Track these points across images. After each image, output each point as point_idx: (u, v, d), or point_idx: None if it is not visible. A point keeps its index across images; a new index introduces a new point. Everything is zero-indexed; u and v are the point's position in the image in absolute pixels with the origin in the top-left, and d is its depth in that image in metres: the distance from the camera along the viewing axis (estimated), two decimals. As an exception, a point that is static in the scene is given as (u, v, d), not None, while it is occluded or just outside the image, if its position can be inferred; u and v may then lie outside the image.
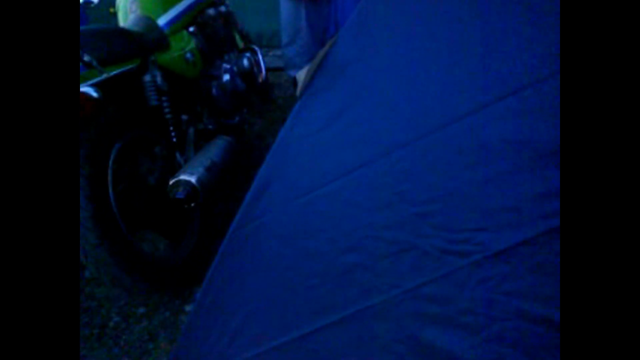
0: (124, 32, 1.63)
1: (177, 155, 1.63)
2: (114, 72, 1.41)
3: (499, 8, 0.82)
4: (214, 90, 1.99)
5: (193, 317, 0.90)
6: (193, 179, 1.40)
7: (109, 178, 1.35)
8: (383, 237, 0.78)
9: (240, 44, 2.49)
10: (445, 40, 0.79)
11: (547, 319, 0.71)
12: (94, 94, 1.20)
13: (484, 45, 0.74)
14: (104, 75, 1.36)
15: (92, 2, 1.78)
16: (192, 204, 1.43)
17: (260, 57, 2.43)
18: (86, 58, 1.29)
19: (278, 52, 3.18)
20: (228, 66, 2.12)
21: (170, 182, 1.42)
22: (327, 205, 0.81)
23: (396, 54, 0.82)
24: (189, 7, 2.03)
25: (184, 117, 1.75)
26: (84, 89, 1.20)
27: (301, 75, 1.33)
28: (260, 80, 2.41)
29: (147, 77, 1.55)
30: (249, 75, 2.29)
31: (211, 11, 2.18)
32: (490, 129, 0.75)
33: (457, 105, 0.76)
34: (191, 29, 2.00)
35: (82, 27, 1.46)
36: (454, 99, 0.76)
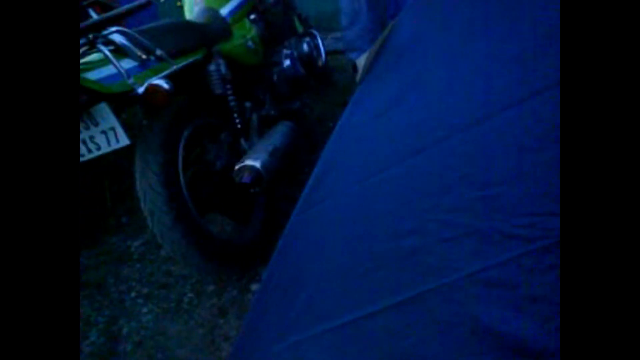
0: (189, 24, 1.70)
1: (242, 141, 1.70)
2: (182, 64, 1.49)
3: None
4: (275, 77, 2.03)
5: (259, 297, 0.95)
6: (257, 164, 1.46)
7: (180, 164, 1.44)
8: (445, 221, 0.78)
9: (300, 29, 2.52)
10: (510, 23, 0.75)
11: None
12: (166, 86, 1.27)
13: (549, 28, 0.70)
14: (174, 67, 1.44)
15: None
16: (257, 188, 1.49)
17: (319, 41, 2.44)
18: (158, 52, 1.37)
19: (337, 35, 3.17)
20: (288, 52, 2.15)
21: (236, 168, 1.49)
22: (388, 189, 0.82)
23: (457, 36, 0.80)
24: (249, -4, 2.08)
25: (248, 104, 1.81)
26: (156, 81, 1.28)
27: (361, 60, 1.32)
28: (320, 64, 2.43)
29: (212, 67, 1.62)
30: (308, 59, 2.31)
31: (271, -2, 2.22)
32: (555, 111, 0.72)
33: (521, 87, 0.73)
34: (252, 16, 2.05)
35: (153, 24, 1.55)
36: (517, 81, 0.73)
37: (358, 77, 1.01)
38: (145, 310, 1.68)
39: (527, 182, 0.75)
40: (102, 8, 1.46)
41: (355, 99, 0.89)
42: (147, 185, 1.35)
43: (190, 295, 1.68)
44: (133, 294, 1.76)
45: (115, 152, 1.51)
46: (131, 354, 1.53)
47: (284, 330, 0.89)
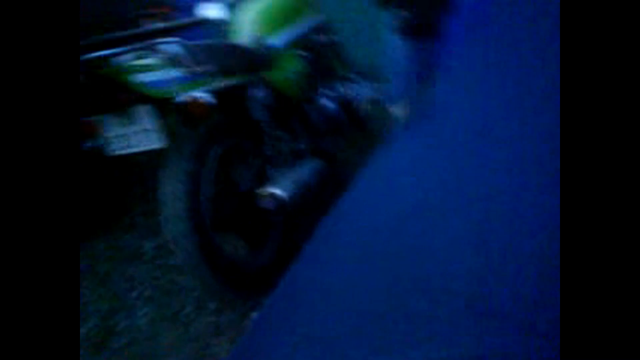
0: (240, 48, 1.79)
1: (269, 168, 1.73)
2: (226, 83, 1.56)
3: None
4: (313, 114, 2.09)
5: (258, 321, 0.95)
6: (283, 193, 1.48)
7: (205, 177, 1.48)
8: (452, 290, 0.77)
9: (345, 73, 2.59)
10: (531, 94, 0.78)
11: None
12: (207, 99, 1.33)
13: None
14: (218, 84, 1.50)
15: (217, 19, 1.96)
16: (278, 216, 1.50)
17: (362, 88, 2.51)
18: (206, 67, 1.44)
19: (381, 86, 3.24)
20: (330, 92, 2.22)
21: (262, 192, 1.52)
22: (406, 241, 0.82)
23: (489, 104, 0.83)
24: (302, 32, 2.17)
25: (281, 133, 1.86)
26: (199, 93, 1.34)
27: (398, 110, 1.36)
28: (359, 110, 2.49)
29: (255, 92, 1.69)
30: (348, 104, 2.37)
31: (322, 38, 2.31)
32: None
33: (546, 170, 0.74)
34: (300, 52, 2.13)
35: (207, 40, 1.64)
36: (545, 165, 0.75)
37: (392, 126, 1.05)
38: (143, 312, 1.69)
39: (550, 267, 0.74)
40: (162, 19, 1.56)
41: (386, 148, 0.91)
42: (170, 191, 1.39)
43: (190, 308, 1.68)
44: (135, 294, 1.77)
45: (145, 154, 1.58)
46: (120, 351, 1.53)
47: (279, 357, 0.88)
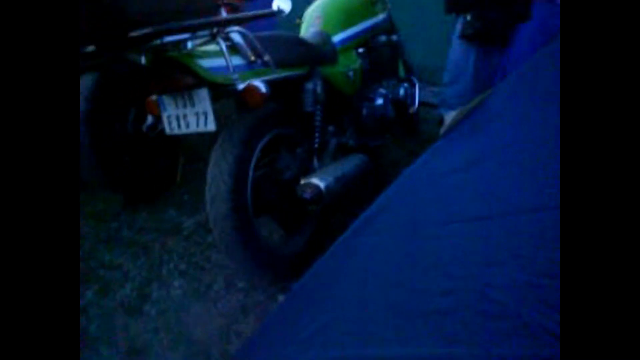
0: (300, 41, 1.82)
1: (315, 160, 1.76)
2: (284, 74, 1.59)
3: None
4: (364, 111, 2.09)
5: (284, 304, 0.98)
6: (322, 184, 1.50)
7: (252, 163, 1.52)
8: (485, 293, 0.76)
9: (402, 74, 2.58)
10: None
11: None
12: (263, 89, 1.37)
13: None
14: (275, 75, 1.54)
15: (283, 12, 2.01)
16: (315, 207, 1.53)
17: (417, 89, 2.49)
18: (266, 57, 1.48)
19: (436, 89, 3.20)
20: (384, 91, 2.21)
21: (302, 182, 1.55)
22: (438, 245, 0.82)
23: (538, 123, 0.81)
24: (364, 31, 2.18)
25: (331, 128, 1.88)
26: (256, 82, 1.38)
27: (449, 116, 1.34)
28: (411, 111, 2.47)
29: (310, 85, 1.71)
30: (401, 104, 2.36)
31: (382, 38, 2.31)
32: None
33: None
34: (360, 50, 2.14)
35: (269, 32, 1.68)
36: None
37: (442, 130, 1.04)
38: (177, 284, 1.76)
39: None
40: (231, 9, 1.61)
41: (433, 150, 0.91)
42: (217, 171, 1.44)
43: (221, 284, 1.74)
44: (171, 266, 1.85)
45: (197, 137, 1.63)
46: (153, 318, 1.60)
47: (300, 342, 0.91)
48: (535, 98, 0.85)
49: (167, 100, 1.41)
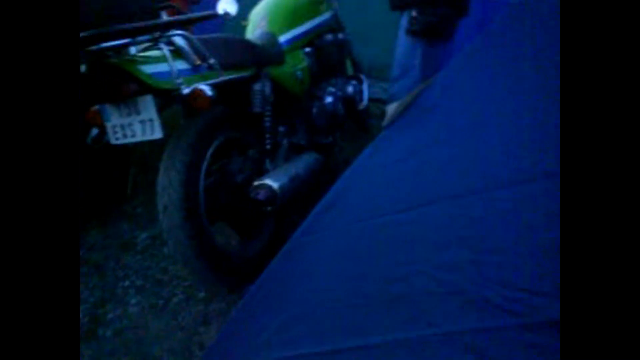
0: (246, 43, 1.81)
1: (267, 161, 1.75)
2: (230, 77, 1.57)
3: None
4: (314, 110, 2.10)
5: (243, 306, 0.97)
6: (275, 185, 1.50)
7: (203, 169, 1.49)
8: (433, 276, 0.79)
9: (350, 71, 2.61)
10: (524, 106, 0.79)
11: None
12: (209, 92, 1.35)
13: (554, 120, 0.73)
14: (221, 78, 1.52)
15: (229, 15, 1.99)
16: (269, 208, 1.52)
17: (365, 86, 2.52)
18: (211, 61, 1.46)
19: (385, 85, 3.26)
20: (333, 90, 2.23)
21: (254, 184, 1.53)
22: (385, 234, 0.84)
23: (475, 111, 0.84)
24: (310, 30, 2.19)
25: (282, 128, 1.87)
26: (202, 86, 1.36)
27: (391, 108, 1.37)
28: (360, 108, 2.50)
29: (258, 86, 1.70)
30: (350, 101, 2.38)
31: (329, 36, 2.33)
32: (555, 194, 0.73)
33: (526, 170, 0.75)
34: (307, 49, 2.15)
35: (214, 35, 1.65)
36: (524, 163, 0.76)
37: (384, 122, 1.06)
38: (134, 301, 1.70)
39: (523, 258, 0.75)
40: (173, 12, 1.57)
41: (376, 143, 0.93)
42: (167, 180, 1.40)
43: (180, 297, 1.70)
44: (127, 283, 1.79)
45: (148, 145, 1.57)
46: (109, 340, 1.54)
47: (259, 345, 0.90)
48: (466, 92, 0.89)
49: (109, 109, 1.36)
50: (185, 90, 1.34)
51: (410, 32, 2.14)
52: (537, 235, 0.77)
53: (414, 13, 2.09)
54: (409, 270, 0.80)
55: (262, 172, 1.71)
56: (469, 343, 0.75)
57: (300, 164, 1.74)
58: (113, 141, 1.40)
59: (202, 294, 1.69)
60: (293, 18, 2.11)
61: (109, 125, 1.39)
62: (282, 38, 2.02)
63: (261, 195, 1.49)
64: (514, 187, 0.79)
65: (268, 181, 1.51)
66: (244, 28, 2.28)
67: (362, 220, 0.85)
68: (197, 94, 1.34)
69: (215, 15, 1.60)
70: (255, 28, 2.10)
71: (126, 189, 2.34)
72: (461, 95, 0.89)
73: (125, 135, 1.38)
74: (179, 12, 1.57)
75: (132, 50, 1.42)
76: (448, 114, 0.88)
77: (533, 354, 0.71)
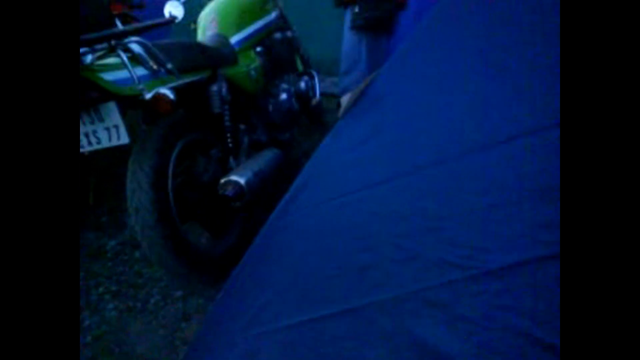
0: (200, 46, 1.86)
1: (231, 159, 1.82)
2: (188, 80, 1.63)
3: (524, 56, 0.93)
4: (270, 107, 2.18)
5: (225, 292, 1.05)
6: (242, 180, 1.57)
7: (170, 171, 1.54)
8: (396, 244, 0.90)
9: (301, 68, 2.70)
10: (467, 86, 0.92)
11: (529, 334, 0.79)
12: (171, 96, 1.40)
13: (502, 91, 0.86)
14: (180, 81, 1.57)
15: (177, 18, 2.02)
16: (238, 203, 1.59)
17: (316, 82, 2.62)
18: (168, 65, 1.51)
19: (335, 80, 3.37)
20: (286, 86, 2.32)
21: (222, 181, 1.60)
22: (352, 210, 0.94)
23: (424, 92, 0.96)
24: (259, 30, 2.26)
25: (241, 126, 1.94)
26: (163, 90, 1.41)
27: (345, 99, 1.48)
28: (313, 103, 2.60)
29: (214, 87, 1.76)
30: (304, 97, 2.48)
31: (278, 35, 2.41)
32: (500, 163, 0.87)
33: (474, 141, 0.88)
34: (258, 49, 2.22)
35: (168, 40, 1.70)
36: (472, 135, 0.89)
37: (340, 112, 1.16)
38: (110, 306, 1.73)
39: (469, 219, 0.88)
40: (127, 20, 1.61)
41: (334, 131, 1.03)
42: (136, 184, 1.45)
43: (157, 297, 1.74)
44: (101, 290, 1.81)
45: (105, 155, 1.59)
46: (89, 346, 1.57)
47: (245, 324, 0.99)
48: (412, 77, 1.00)
49: None
50: (148, 95, 1.39)
51: (355, 27, 2.26)
52: (479, 201, 0.90)
53: (356, 9, 2.22)
54: (375, 241, 0.91)
55: (226, 170, 1.78)
56: (430, 298, 0.87)
57: (263, 160, 1.82)
58: (81, 149, 1.42)
59: (179, 293, 1.74)
60: (242, 19, 2.17)
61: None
62: (233, 39, 2.08)
63: (229, 191, 1.57)
64: (462, 159, 0.92)
65: (235, 177, 1.58)
66: (193, 31, 2.32)
67: (330, 200, 0.95)
68: (159, 98, 1.39)
69: (168, 22, 1.65)
70: (205, 30, 2.15)
71: (88, 199, 2.33)
72: (408, 80, 1.01)
73: (90, 143, 1.41)
74: (132, 20, 1.60)
75: (89, 58, 1.45)
76: (398, 98, 0.99)
77: (481, 300, 0.84)
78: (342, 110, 1.13)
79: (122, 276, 1.87)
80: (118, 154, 1.76)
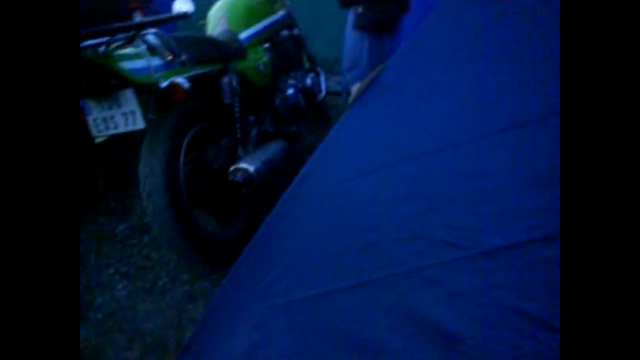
0: (212, 40, 1.93)
1: (239, 148, 1.89)
2: (201, 71, 1.70)
3: (524, 51, 1.00)
4: (277, 101, 2.25)
5: (235, 270, 1.11)
6: (251, 168, 1.64)
7: (182, 157, 1.61)
8: (399, 225, 0.97)
9: (307, 65, 2.77)
10: (465, 80, 0.98)
11: (521, 310, 0.86)
12: (186, 85, 1.47)
13: (498, 85, 0.93)
14: (193, 72, 1.64)
15: (189, 13, 2.08)
16: (246, 190, 1.66)
17: (322, 79, 2.70)
18: (183, 56, 1.58)
19: (338, 78, 3.44)
20: (293, 82, 2.39)
21: (231, 168, 1.67)
22: (357, 193, 1.01)
23: (427, 84, 1.03)
24: (268, 27, 2.33)
25: (251, 118, 2.01)
26: (178, 79, 1.48)
27: (355, 88, 1.56)
28: (319, 99, 2.67)
29: (226, 80, 1.83)
30: (309, 92, 2.55)
31: (285, 32, 2.48)
32: (496, 151, 0.93)
33: (471, 130, 0.95)
34: (266, 45, 2.29)
35: (183, 33, 1.77)
36: (469, 125, 0.95)
37: (350, 100, 1.23)
38: (120, 286, 1.80)
39: (466, 202, 0.95)
40: (145, 13, 1.68)
41: (343, 119, 1.10)
42: (149, 169, 1.52)
43: (165, 279, 1.80)
44: (111, 270, 1.88)
45: (113, 143, 1.64)
46: (100, 322, 1.63)
47: (254, 298, 1.05)
48: (417, 70, 1.07)
49: (90, 103, 1.45)
50: (163, 84, 1.46)
51: (358, 26, 2.33)
52: (476, 185, 0.97)
53: (360, 10, 2.29)
54: (378, 221, 0.98)
55: (234, 159, 1.84)
56: (429, 275, 0.94)
57: (270, 150, 1.89)
58: (95, 134, 1.49)
59: (186, 276, 1.80)
60: (250, 16, 2.25)
61: (90, 119, 1.48)
62: (243, 35, 2.16)
63: (239, 177, 1.63)
64: (460, 147, 0.99)
65: (244, 165, 1.65)
66: (202, 27, 2.38)
67: (337, 183, 1.02)
68: (175, 86, 1.46)
69: (183, 16, 1.72)
70: (215, 26, 2.22)
71: (97, 187, 2.39)
72: (412, 73, 1.08)
73: (107, 128, 1.48)
74: (150, 12, 1.68)
75: (109, 47, 1.51)
76: (403, 89, 1.06)
77: (477, 278, 0.91)
78: (351, 98, 1.20)
79: (132, 259, 1.93)
80: (125, 143, 1.82)
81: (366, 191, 1.00)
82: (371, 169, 1.00)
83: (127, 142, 1.87)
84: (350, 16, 2.36)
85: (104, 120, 1.46)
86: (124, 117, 1.46)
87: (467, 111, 0.97)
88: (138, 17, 1.66)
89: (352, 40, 2.42)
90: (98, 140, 1.69)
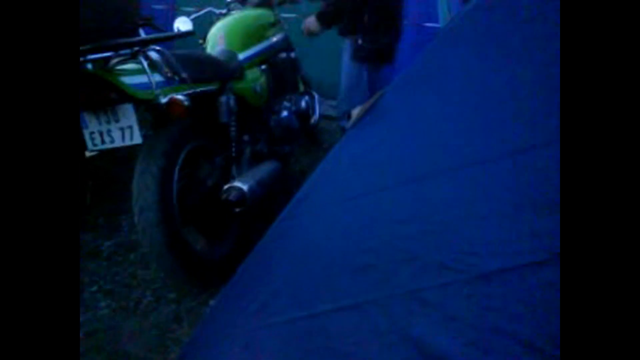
0: (212, 59, 1.95)
1: (233, 167, 1.89)
2: (200, 89, 1.71)
3: (526, 75, 1.02)
4: (272, 122, 2.27)
5: (228, 288, 1.10)
6: (245, 187, 1.64)
7: (175, 174, 1.60)
8: (395, 246, 0.97)
9: (302, 88, 2.81)
10: (466, 105, 1.01)
11: (515, 335, 0.86)
12: (186, 102, 1.48)
13: (498, 112, 0.96)
14: (192, 90, 1.65)
15: (191, 32, 2.12)
16: (239, 209, 1.65)
17: (316, 102, 2.74)
18: (183, 74, 1.59)
19: (333, 103, 3.48)
20: (288, 104, 2.42)
21: (225, 187, 1.66)
22: (356, 214, 1.01)
23: (427, 108, 1.05)
24: (265, 49, 2.38)
25: (245, 137, 2.02)
26: (179, 96, 1.49)
27: (355, 112, 1.59)
28: (312, 122, 2.70)
29: (223, 99, 1.85)
30: (303, 115, 2.59)
31: (282, 55, 2.53)
32: (492, 178, 0.95)
33: (469, 156, 0.97)
34: (263, 67, 2.33)
35: (185, 51, 1.79)
36: (468, 151, 0.97)
37: (350, 123, 1.25)
38: (103, 304, 1.75)
39: (461, 226, 0.96)
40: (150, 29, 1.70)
41: (343, 141, 1.12)
42: (143, 184, 1.50)
43: (150, 298, 1.76)
44: (95, 288, 1.83)
45: (102, 157, 1.63)
46: (81, 341, 1.58)
47: (245, 319, 1.04)
48: (419, 96, 1.10)
49: (88, 116, 1.45)
50: (163, 100, 1.46)
51: (357, 59, 2.38)
52: (473, 209, 0.98)
53: (359, 41, 2.34)
54: (376, 242, 0.98)
55: (228, 178, 1.84)
56: (425, 298, 0.93)
57: (264, 170, 1.89)
58: (91, 147, 1.49)
59: (172, 295, 1.76)
60: (249, 38, 2.29)
61: (86, 132, 1.47)
62: (241, 55, 2.18)
63: (232, 196, 1.63)
64: (458, 172, 1.00)
65: (238, 184, 1.65)
66: (201, 46, 2.41)
67: (335, 204, 1.02)
68: (175, 103, 1.47)
69: (187, 34, 1.74)
70: (214, 46, 2.24)
71: (85, 200, 2.35)
72: (413, 97, 1.10)
73: (103, 142, 1.47)
74: (155, 29, 1.70)
75: (111, 62, 1.52)
76: (404, 112, 1.08)
77: (472, 302, 0.91)
78: (352, 121, 1.22)
79: (117, 276, 1.89)
80: (113, 158, 1.80)
81: (363, 213, 1.00)
82: (369, 190, 1.01)
83: (118, 157, 1.85)
84: (348, 46, 2.41)
85: (101, 134, 1.46)
86: (121, 132, 1.45)
87: (464, 138, 0.99)
88: (143, 33, 1.67)
89: (348, 69, 2.46)
90: (89, 154, 1.68)
